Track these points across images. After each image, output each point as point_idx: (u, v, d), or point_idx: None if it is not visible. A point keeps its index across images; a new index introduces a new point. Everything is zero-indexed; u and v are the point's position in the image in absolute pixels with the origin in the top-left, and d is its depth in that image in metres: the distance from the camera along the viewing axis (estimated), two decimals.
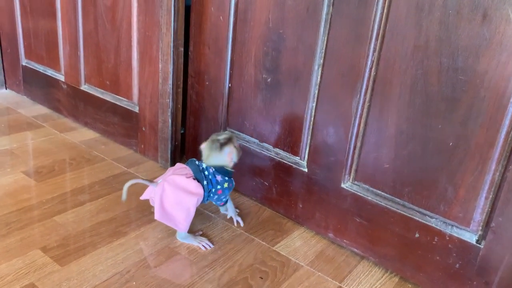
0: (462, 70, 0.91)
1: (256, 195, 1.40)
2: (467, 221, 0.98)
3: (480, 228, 0.97)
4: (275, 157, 1.32)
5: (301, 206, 1.29)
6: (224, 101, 1.40)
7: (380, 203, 1.11)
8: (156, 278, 1.04)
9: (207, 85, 1.43)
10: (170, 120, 1.49)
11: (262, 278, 1.08)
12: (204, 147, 1.17)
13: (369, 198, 1.13)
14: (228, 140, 1.14)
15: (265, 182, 1.36)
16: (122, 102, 1.66)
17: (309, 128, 1.22)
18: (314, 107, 1.19)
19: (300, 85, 1.20)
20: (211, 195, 1.16)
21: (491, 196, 0.94)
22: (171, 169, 1.17)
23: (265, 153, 1.33)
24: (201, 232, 1.22)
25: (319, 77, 1.15)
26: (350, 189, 1.17)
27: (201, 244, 1.16)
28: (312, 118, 1.20)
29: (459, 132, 0.95)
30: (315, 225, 1.27)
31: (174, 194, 1.10)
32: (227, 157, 1.14)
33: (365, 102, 1.09)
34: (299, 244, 1.23)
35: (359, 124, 1.11)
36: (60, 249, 1.10)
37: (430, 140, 0.99)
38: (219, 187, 1.15)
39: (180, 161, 1.58)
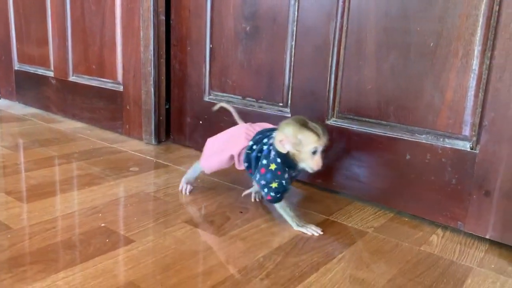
0: None
1: None
2: (458, 126, 0.91)
3: (473, 131, 0.89)
4: (259, 110, 1.26)
5: None
6: (207, 64, 1.37)
7: (367, 130, 1.04)
8: (128, 212, 0.96)
9: (189, 51, 1.41)
10: (152, 90, 1.45)
11: (241, 212, 0.99)
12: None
13: (355, 128, 1.06)
14: (309, 128, 0.83)
15: None
16: (107, 84, 1.64)
17: (290, 71, 1.17)
18: (293, 45, 1.15)
19: (278, 25, 1.17)
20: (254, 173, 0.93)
21: (480, 91, 0.87)
22: (260, 123, 1.02)
23: (250, 108, 1.28)
24: (195, 185, 1.12)
25: (296, 12, 1.13)
26: (335, 124, 1.10)
27: (183, 189, 1.08)
28: (292, 58, 1.16)
29: (439, 29, 0.90)
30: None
31: (222, 135, 1.02)
32: (277, 140, 0.86)
33: (342, 25, 1.05)
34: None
35: (338, 51, 1.07)
36: (28, 192, 1.03)
37: (411, 46, 0.94)
38: (262, 167, 0.90)
39: (165, 139, 1.53)
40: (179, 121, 1.49)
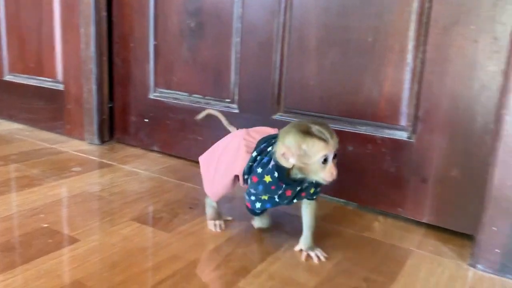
0: None
1: (191, 154, 1.32)
2: (396, 117, 0.96)
3: (409, 121, 0.94)
4: (206, 107, 1.25)
5: None
6: (151, 61, 1.35)
7: None
8: (71, 212, 0.93)
9: (133, 48, 1.38)
10: (95, 88, 1.41)
11: (191, 208, 0.98)
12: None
13: None
14: (313, 135, 0.69)
15: (199, 137, 1.29)
16: (46, 83, 1.57)
17: (236, 67, 1.18)
18: (239, 42, 1.16)
19: (222, 21, 1.18)
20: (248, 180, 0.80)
21: (415, 84, 0.92)
22: (257, 128, 0.87)
23: (196, 105, 1.28)
24: (229, 218, 0.93)
25: (240, 8, 1.14)
26: (280, 119, 1.12)
27: (211, 225, 0.89)
28: (238, 55, 1.17)
29: (376, 25, 0.94)
30: None
31: (216, 148, 0.87)
32: (278, 153, 0.72)
33: (285, 22, 1.07)
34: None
35: (282, 48, 1.09)
36: None
37: (350, 42, 0.98)
38: (255, 175, 0.77)
39: (109, 138, 1.49)
40: (123, 120, 1.46)
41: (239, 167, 0.80)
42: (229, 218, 0.92)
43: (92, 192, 1.04)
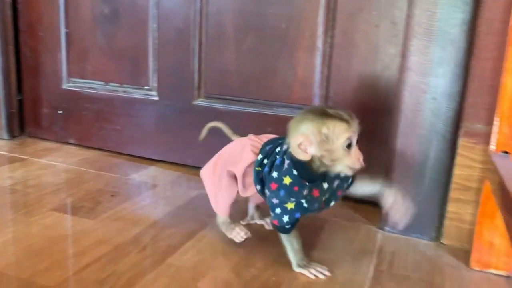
0: None
1: (109, 144, 1.29)
2: (310, 99, 1.02)
3: (321, 101, 1.01)
4: (124, 95, 1.24)
5: (157, 140, 1.22)
6: (63, 50, 1.30)
7: (232, 108, 1.10)
8: None
9: (42, 37, 1.32)
10: (1, 80, 1.33)
11: (113, 196, 0.97)
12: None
13: (220, 106, 1.11)
14: (333, 116, 0.62)
15: (117, 127, 1.27)
16: None
17: (154, 54, 1.18)
18: (156, 28, 1.16)
19: (138, 8, 1.17)
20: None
21: (325, 67, 0.99)
22: (266, 135, 0.78)
23: (114, 94, 1.25)
24: (243, 223, 0.85)
25: None
26: (202, 104, 1.14)
27: (235, 236, 0.77)
28: (156, 42, 1.17)
29: (289, 12, 1.00)
30: (174, 155, 1.21)
31: (219, 157, 0.79)
32: (294, 145, 0.63)
33: (202, 9, 1.09)
34: (157, 173, 1.15)
35: (200, 34, 1.11)
36: None
37: (266, 29, 1.03)
38: (272, 181, 0.68)
39: (20, 133, 1.41)
40: (35, 113, 1.39)
41: (240, 166, 0.72)
42: (243, 222, 0.84)
43: (4, 187, 0.98)
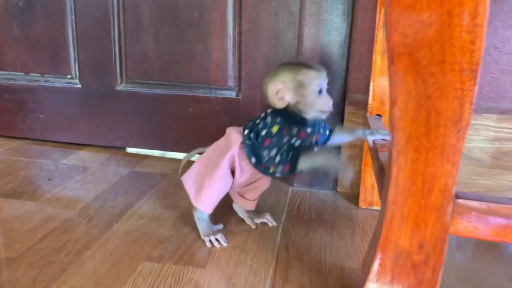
0: None
1: (35, 133, 1.34)
2: (225, 80, 1.16)
3: (235, 82, 1.16)
4: (46, 84, 1.29)
5: (83, 125, 1.29)
6: None
7: (154, 91, 1.21)
8: None
9: None
10: None
11: (50, 180, 1.05)
12: None
13: (143, 90, 1.22)
14: (306, 65, 0.70)
15: (41, 116, 1.32)
16: None
17: (74, 44, 1.24)
18: (73, 19, 1.22)
19: (54, 0, 1.21)
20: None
21: (236, 51, 1.14)
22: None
23: (35, 84, 1.29)
24: (221, 226, 0.83)
25: None
26: (125, 89, 1.23)
27: (209, 239, 0.78)
28: (75, 32, 1.23)
29: (201, 2, 1.12)
30: (102, 138, 1.29)
31: (208, 152, 0.81)
32: (272, 92, 0.71)
33: (120, 3, 1.17)
34: (87, 156, 1.23)
35: (119, 23, 1.19)
36: None
37: (180, 17, 1.14)
38: (263, 132, 0.72)
39: None
40: None
41: (235, 146, 0.75)
42: (221, 226, 0.83)
43: None
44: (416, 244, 0.49)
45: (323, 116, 0.71)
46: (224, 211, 0.88)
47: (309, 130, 0.71)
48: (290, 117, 0.71)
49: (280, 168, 0.72)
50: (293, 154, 0.70)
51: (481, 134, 0.94)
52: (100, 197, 0.96)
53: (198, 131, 1.20)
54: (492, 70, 0.93)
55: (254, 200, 0.85)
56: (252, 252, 0.75)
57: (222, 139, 0.79)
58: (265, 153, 0.71)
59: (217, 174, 0.74)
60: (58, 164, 1.16)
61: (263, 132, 0.71)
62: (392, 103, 0.46)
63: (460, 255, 0.77)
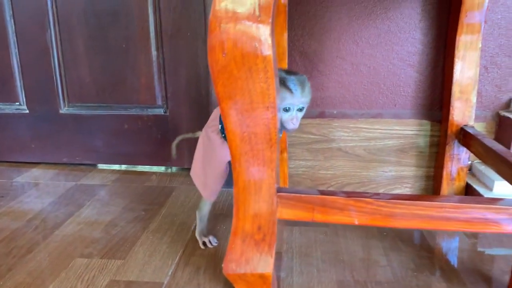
0: None
1: None
2: (154, 99, 1.35)
3: (163, 101, 1.34)
4: None
5: (33, 146, 1.45)
6: None
7: (94, 113, 1.38)
8: None
9: None
10: None
11: (2, 197, 1.21)
12: None
13: (84, 112, 1.39)
14: (284, 85, 0.74)
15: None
16: None
17: (19, 73, 1.40)
18: (17, 52, 1.38)
19: None
20: None
21: (162, 74, 1.32)
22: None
23: None
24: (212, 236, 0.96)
25: (13, 25, 1.35)
26: (68, 112, 1.40)
27: (203, 240, 0.94)
28: (19, 61, 1.39)
29: (127, 35, 1.30)
30: (51, 156, 1.45)
31: (201, 150, 0.90)
32: None
33: (57, 34, 1.34)
34: (38, 173, 1.39)
35: (58, 54, 1.36)
36: None
37: (111, 48, 1.32)
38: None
39: None
40: None
41: (220, 155, 0.85)
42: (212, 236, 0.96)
43: None
44: (256, 227, 0.69)
45: (287, 132, 0.83)
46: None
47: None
48: None
49: None
50: None
51: (360, 135, 1.16)
52: (46, 208, 1.13)
53: (134, 144, 1.38)
54: (364, 82, 1.14)
55: None
56: (166, 244, 0.94)
57: (203, 138, 0.88)
58: None
59: (214, 173, 0.87)
60: (12, 182, 1.32)
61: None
62: (227, 129, 0.65)
63: (324, 237, 0.98)
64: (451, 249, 0.93)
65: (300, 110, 0.77)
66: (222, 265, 0.72)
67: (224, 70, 0.61)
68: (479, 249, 0.92)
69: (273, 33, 0.60)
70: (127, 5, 1.27)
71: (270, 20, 0.58)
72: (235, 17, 0.59)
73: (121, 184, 1.30)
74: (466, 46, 1.00)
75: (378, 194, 0.67)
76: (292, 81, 0.74)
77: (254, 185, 0.67)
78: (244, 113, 0.63)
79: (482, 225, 0.64)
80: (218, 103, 0.64)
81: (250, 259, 0.70)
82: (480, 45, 0.99)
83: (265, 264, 0.69)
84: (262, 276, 0.70)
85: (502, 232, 0.64)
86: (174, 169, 1.40)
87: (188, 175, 1.32)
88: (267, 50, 0.59)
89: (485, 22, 1.05)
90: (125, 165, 1.43)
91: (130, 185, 1.29)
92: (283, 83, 0.73)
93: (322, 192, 0.68)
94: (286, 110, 0.75)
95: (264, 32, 0.58)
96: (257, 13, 0.58)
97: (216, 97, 0.63)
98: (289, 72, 0.76)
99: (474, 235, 0.98)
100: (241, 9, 0.58)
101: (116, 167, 1.43)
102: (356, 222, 0.67)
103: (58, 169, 1.43)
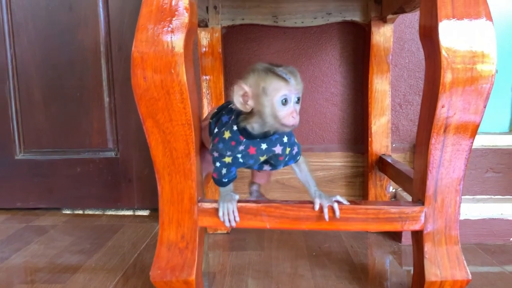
0: (68, 43, 1.39)
1: None
2: (105, 143, 1.43)
3: (114, 144, 1.43)
4: None
5: None
6: None
7: (49, 157, 1.45)
8: None
9: None
10: None
11: None
12: None
13: (39, 158, 1.46)
14: (275, 73, 0.65)
15: None
16: None
17: None
18: None
19: None
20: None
21: (113, 120, 1.42)
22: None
23: None
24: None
25: None
26: (24, 158, 1.47)
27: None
28: None
29: (81, 84, 1.41)
30: (4, 202, 1.49)
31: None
32: (237, 95, 0.68)
33: (15, 85, 1.44)
34: None
35: (15, 104, 1.44)
36: None
37: (66, 97, 1.42)
38: (215, 135, 0.74)
39: None
40: None
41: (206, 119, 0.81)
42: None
43: None
44: (180, 236, 0.76)
45: (286, 130, 0.68)
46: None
47: (264, 146, 0.70)
48: (247, 131, 0.70)
49: (219, 172, 0.75)
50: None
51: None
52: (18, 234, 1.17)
53: (86, 187, 1.44)
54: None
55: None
56: (107, 270, 0.99)
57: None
58: (211, 148, 0.74)
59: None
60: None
61: (216, 130, 0.74)
62: (150, 146, 0.74)
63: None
64: (369, 263, 1.01)
65: (298, 102, 0.67)
66: (150, 273, 0.78)
67: (145, 92, 0.72)
68: (404, 267, 1.01)
69: (188, 59, 0.72)
70: (82, 56, 1.39)
71: (182, 51, 0.70)
72: (153, 50, 0.70)
73: (72, 224, 1.34)
74: (378, 85, 1.14)
75: (286, 201, 0.76)
76: (281, 70, 0.65)
77: (177, 196, 0.75)
78: (165, 130, 0.73)
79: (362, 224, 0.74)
80: (142, 122, 0.73)
81: (175, 267, 0.77)
82: (389, 83, 1.14)
83: (188, 270, 0.76)
84: (186, 282, 0.76)
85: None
86: (124, 210, 1.46)
87: (138, 215, 1.39)
88: (182, 75, 0.70)
89: (396, 65, 1.21)
90: (78, 208, 1.48)
91: (80, 224, 1.34)
92: (272, 72, 0.65)
93: (238, 201, 0.76)
94: (283, 103, 0.65)
95: (178, 59, 0.70)
96: (171, 48, 0.70)
97: (140, 117, 0.73)
98: (272, 63, 0.67)
99: (397, 253, 1.07)
100: (157, 47, 0.70)
101: (68, 210, 1.48)
102: (268, 226, 0.75)
103: (11, 213, 1.47)
